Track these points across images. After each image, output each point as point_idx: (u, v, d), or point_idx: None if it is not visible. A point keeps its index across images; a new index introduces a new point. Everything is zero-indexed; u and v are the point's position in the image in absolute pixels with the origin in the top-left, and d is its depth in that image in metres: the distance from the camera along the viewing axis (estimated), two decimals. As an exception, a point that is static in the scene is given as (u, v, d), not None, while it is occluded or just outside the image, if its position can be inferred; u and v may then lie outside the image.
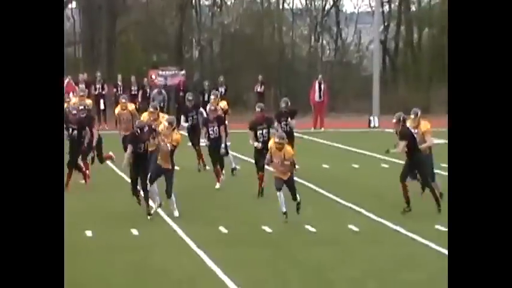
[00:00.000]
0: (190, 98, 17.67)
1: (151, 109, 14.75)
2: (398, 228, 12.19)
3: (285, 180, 12.43)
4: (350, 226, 12.36)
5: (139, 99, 26.09)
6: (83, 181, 15.40)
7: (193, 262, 10.51)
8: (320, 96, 27.27)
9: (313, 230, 12.23)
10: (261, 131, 14.28)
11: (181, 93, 26.78)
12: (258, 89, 28.30)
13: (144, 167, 12.74)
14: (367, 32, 34.21)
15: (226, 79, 28.05)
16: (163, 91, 25.73)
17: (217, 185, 15.22)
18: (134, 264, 10.21)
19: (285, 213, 12.48)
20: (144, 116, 14.67)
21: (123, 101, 17.04)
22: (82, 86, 25.88)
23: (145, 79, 27.36)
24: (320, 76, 27.94)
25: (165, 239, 11.63)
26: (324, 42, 35.60)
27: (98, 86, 26.42)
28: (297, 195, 12.66)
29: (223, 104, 17.19)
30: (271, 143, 12.49)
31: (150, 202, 12.78)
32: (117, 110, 17.09)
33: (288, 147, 12.43)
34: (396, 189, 13.70)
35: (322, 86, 27.37)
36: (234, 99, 28.77)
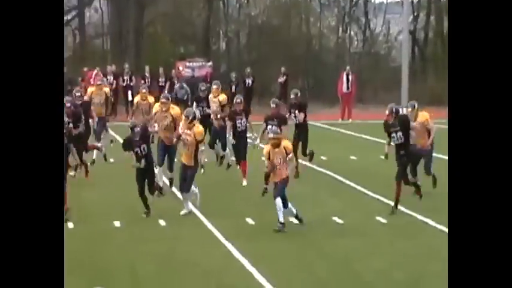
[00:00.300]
0: (203, 88, 17.23)
1: (163, 99, 14.14)
2: (426, 220, 12.09)
3: (280, 181, 11.52)
4: (378, 218, 12.29)
5: (167, 91, 26.13)
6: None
7: (221, 254, 10.51)
8: (348, 88, 27.12)
9: (340, 221, 12.17)
10: (270, 126, 13.91)
11: (208, 85, 26.80)
12: (280, 80, 28.18)
13: (149, 173, 12.28)
14: (396, 22, 33.93)
15: (253, 70, 28.01)
16: (185, 85, 25.61)
17: (244, 182, 14.81)
18: (161, 255, 10.23)
19: (282, 223, 11.48)
20: (156, 108, 14.22)
21: (144, 91, 16.68)
22: (110, 77, 26.17)
23: (173, 71, 27.40)
24: (348, 67, 27.78)
25: (192, 230, 11.64)
26: (352, 33, 35.39)
27: (125, 77, 26.50)
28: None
29: (222, 97, 16.25)
30: (266, 149, 11.67)
31: (188, 204, 12.50)
32: (137, 99, 16.76)
33: (286, 142, 11.78)
34: (425, 180, 13.61)
35: (350, 77, 27.22)
36: (261, 91, 28.77)
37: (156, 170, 13.43)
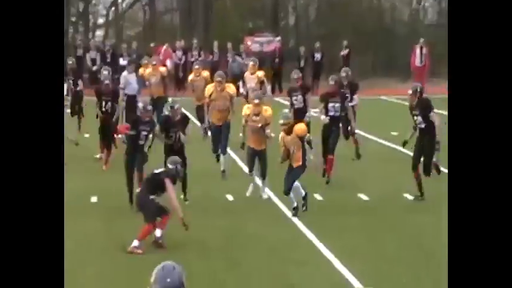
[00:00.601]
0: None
1: (218, 78, 13.08)
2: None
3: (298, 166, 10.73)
4: (450, 194, 11.90)
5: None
6: (99, 156, 14.20)
7: (288, 229, 10.37)
8: (421, 61, 26.46)
9: (411, 198, 11.85)
10: (332, 104, 12.71)
11: (276, 60, 26.56)
12: (343, 53, 27.63)
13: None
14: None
15: (323, 45, 27.58)
16: (238, 58, 25.33)
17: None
18: (229, 229, 10.13)
19: (295, 208, 10.83)
20: (209, 89, 13.22)
21: (197, 67, 15.79)
22: (179, 53, 26.19)
23: (241, 46, 27.24)
24: (422, 40, 27.01)
25: (259, 205, 11.52)
26: (427, 4, 34.48)
27: (194, 53, 26.49)
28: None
29: (260, 73, 15.55)
30: (280, 135, 10.84)
31: (266, 191, 11.89)
32: (191, 76, 15.86)
33: (298, 126, 10.81)
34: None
35: (424, 51, 26.54)
36: (331, 65, 28.31)
37: (222, 158, 13.08)
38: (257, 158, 11.73)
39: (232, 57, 25.20)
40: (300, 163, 10.73)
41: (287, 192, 10.76)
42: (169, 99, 11.85)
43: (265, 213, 11.00)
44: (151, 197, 9.28)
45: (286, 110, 11.83)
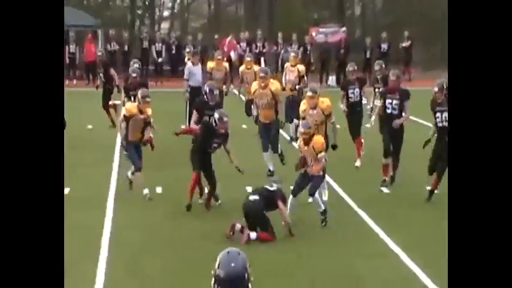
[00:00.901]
0: (249, 59, 15.80)
1: (261, 74, 12.39)
2: None
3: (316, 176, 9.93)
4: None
5: (300, 56, 25.87)
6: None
7: (355, 222, 10.25)
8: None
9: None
10: (390, 101, 11.74)
11: (341, 51, 26.28)
12: (404, 45, 27.08)
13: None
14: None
15: (389, 35, 27.13)
16: (289, 49, 24.88)
17: (357, 162, 13.22)
18: (297, 222, 9.91)
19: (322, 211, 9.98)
20: (254, 85, 12.57)
21: (248, 59, 15.46)
22: (243, 44, 26.16)
23: (306, 37, 27.05)
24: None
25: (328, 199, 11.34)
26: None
27: (258, 44, 26.43)
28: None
29: (301, 67, 15.00)
30: (299, 143, 10.11)
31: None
32: (241, 68, 15.64)
33: (316, 138, 9.87)
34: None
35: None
36: (397, 56, 27.83)
37: (264, 155, 12.34)
38: None
39: (285, 48, 24.96)
40: (321, 174, 9.94)
41: (296, 194, 10.03)
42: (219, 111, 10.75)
43: (333, 206, 10.83)
44: (265, 212, 9.45)
45: (306, 121, 10.46)
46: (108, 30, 26.78)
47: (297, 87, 14.70)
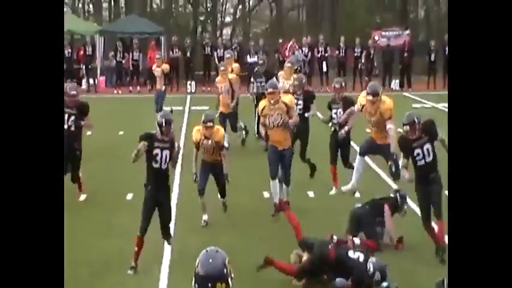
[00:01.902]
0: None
1: (269, 89, 10.15)
2: None
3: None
4: None
5: (363, 60, 25.63)
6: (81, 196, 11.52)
7: (418, 227, 9.98)
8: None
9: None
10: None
11: (405, 54, 25.92)
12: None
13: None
14: None
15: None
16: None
17: (333, 191, 11.71)
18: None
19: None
20: (262, 103, 10.38)
21: (289, 65, 14.05)
22: (305, 49, 26.05)
23: (369, 41, 26.79)
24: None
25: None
26: None
27: (320, 48, 26.28)
28: None
29: (288, 98, 13.38)
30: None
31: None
32: (281, 73, 14.20)
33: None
34: None
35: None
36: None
37: (271, 184, 10.39)
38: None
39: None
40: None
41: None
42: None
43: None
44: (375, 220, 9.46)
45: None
46: (171, 37, 27.05)
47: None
